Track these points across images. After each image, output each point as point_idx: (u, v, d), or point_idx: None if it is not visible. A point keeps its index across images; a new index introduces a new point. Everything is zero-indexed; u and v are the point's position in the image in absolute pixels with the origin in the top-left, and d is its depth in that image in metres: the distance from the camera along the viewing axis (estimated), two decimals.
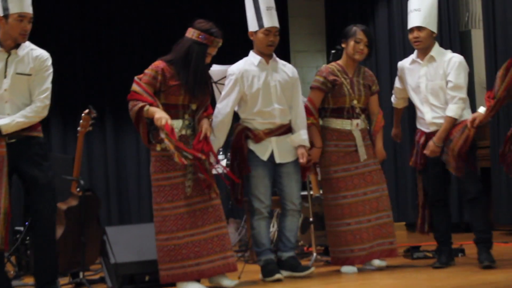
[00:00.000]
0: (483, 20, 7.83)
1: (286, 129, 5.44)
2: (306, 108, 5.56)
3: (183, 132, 5.01)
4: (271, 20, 5.36)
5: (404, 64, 5.65)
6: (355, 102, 5.55)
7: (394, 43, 8.69)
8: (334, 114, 5.60)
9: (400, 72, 5.68)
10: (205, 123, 5.03)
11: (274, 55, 5.48)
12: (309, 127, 5.52)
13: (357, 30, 5.56)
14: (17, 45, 4.72)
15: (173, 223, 4.91)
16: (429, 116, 5.46)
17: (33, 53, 4.75)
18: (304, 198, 5.78)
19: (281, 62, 5.52)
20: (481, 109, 5.21)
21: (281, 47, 9.94)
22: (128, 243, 5.19)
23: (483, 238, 5.39)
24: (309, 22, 10.29)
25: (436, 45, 5.54)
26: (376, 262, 5.52)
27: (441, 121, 5.40)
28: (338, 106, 5.58)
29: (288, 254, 5.42)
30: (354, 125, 5.56)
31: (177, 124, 4.99)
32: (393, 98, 5.90)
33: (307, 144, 5.44)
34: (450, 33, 8.21)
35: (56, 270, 4.86)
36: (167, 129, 4.78)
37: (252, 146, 5.37)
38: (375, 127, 5.66)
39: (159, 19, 9.31)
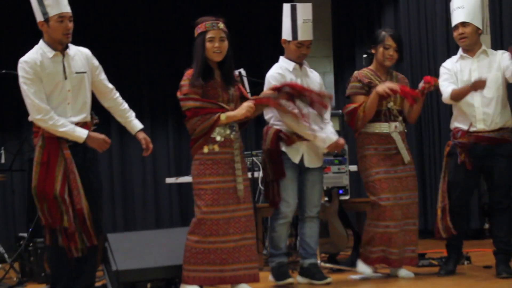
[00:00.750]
0: (490, 25, 7.71)
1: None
2: (348, 114, 5.53)
3: (228, 134, 4.98)
4: (306, 33, 5.40)
5: (452, 62, 5.54)
6: (391, 104, 5.50)
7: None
8: (373, 118, 5.52)
9: (449, 71, 5.49)
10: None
11: (305, 62, 5.52)
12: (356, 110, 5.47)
13: (386, 36, 5.52)
14: (65, 46, 4.73)
15: (208, 228, 4.88)
16: (480, 111, 5.35)
17: (82, 51, 4.81)
18: None
19: (310, 69, 5.57)
20: None
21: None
22: (130, 250, 5.13)
23: (504, 249, 5.36)
24: (316, 28, 10.10)
25: (484, 45, 5.51)
26: (403, 273, 5.48)
27: (491, 118, 5.32)
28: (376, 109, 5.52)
29: (309, 261, 5.43)
30: (393, 128, 5.49)
31: (221, 127, 4.95)
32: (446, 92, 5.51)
33: (334, 138, 5.40)
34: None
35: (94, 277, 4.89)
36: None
37: (284, 148, 5.38)
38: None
39: (163, 20, 9.31)
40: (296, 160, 5.38)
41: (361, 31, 9.37)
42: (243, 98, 5.11)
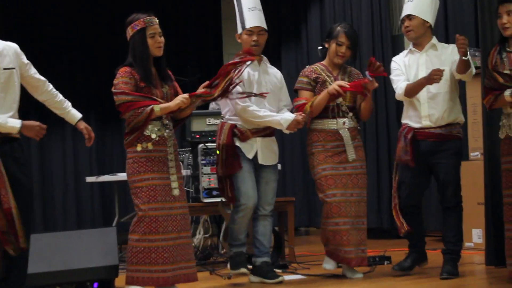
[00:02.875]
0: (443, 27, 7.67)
1: (271, 132, 5.43)
2: (296, 108, 5.43)
3: (162, 132, 4.87)
4: (253, 20, 5.34)
5: (401, 57, 5.45)
6: (340, 100, 5.38)
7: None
8: (319, 114, 5.41)
9: (399, 66, 5.40)
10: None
11: (265, 58, 5.47)
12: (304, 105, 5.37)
13: (340, 32, 5.39)
14: None
15: (147, 225, 4.77)
16: (425, 107, 5.26)
17: (10, 46, 4.56)
18: None
19: (270, 66, 5.54)
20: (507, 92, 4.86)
21: (214, 49, 9.95)
22: (40, 252, 4.93)
23: (452, 249, 5.27)
24: None
25: (434, 37, 5.39)
26: (351, 274, 5.38)
27: (437, 114, 5.22)
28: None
29: (262, 259, 5.37)
30: (341, 124, 5.39)
31: (156, 125, 4.84)
32: (400, 88, 5.39)
33: (288, 122, 5.28)
34: (382, 36, 8.12)
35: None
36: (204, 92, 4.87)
37: (238, 143, 5.32)
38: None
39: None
40: (250, 155, 5.33)
41: (287, 28, 9.28)
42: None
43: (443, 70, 5.07)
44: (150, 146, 4.83)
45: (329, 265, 5.42)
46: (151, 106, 4.77)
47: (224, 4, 9.91)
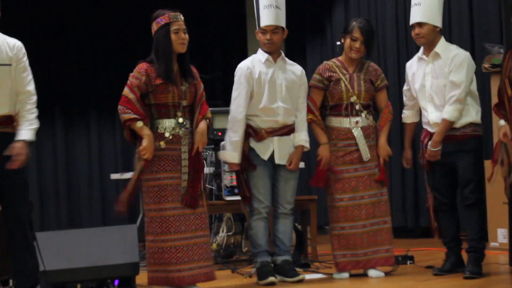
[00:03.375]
0: None
1: (289, 130, 5.33)
2: (308, 106, 5.40)
3: (177, 131, 4.85)
4: (267, 18, 5.24)
5: (412, 63, 5.39)
6: (354, 98, 5.31)
7: None
8: (332, 112, 5.39)
9: (407, 72, 5.40)
10: (198, 134, 4.87)
11: (283, 54, 5.38)
12: (309, 124, 5.39)
13: (355, 27, 5.33)
14: None
15: (158, 225, 4.79)
16: (433, 116, 5.19)
17: (9, 42, 4.52)
18: None
19: (290, 62, 5.42)
20: (502, 122, 4.94)
21: (239, 46, 9.91)
22: (59, 249, 4.93)
23: (474, 247, 5.18)
24: None
25: (442, 40, 5.25)
26: (373, 273, 5.30)
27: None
28: (336, 103, 5.37)
29: (282, 258, 5.32)
30: (354, 123, 5.32)
31: (169, 123, 4.84)
32: (403, 113, 5.53)
33: (306, 145, 5.32)
34: (407, 33, 7.85)
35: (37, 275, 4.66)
36: (144, 165, 4.77)
37: (253, 144, 5.26)
38: (380, 122, 5.39)
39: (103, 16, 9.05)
40: (265, 156, 5.26)
41: (312, 24, 9.21)
42: (197, 99, 4.96)
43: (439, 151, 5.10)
44: (163, 144, 4.82)
45: (339, 276, 5.36)
46: (138, 117, 4.75)
47: (249, 1, 9.86)
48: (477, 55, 6.89)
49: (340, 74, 5.36)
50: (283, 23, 5.31)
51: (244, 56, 9.64)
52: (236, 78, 5.26)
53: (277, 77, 5.28)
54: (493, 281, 5.02)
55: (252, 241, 5.31)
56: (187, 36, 4.87)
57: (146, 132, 4.77)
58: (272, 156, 5.27)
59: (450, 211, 5.29)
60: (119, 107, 4.82)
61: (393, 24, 8.03)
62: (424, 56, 5.27)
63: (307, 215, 6.50)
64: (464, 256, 5.25)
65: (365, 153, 5.31)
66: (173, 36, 4.83)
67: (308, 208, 6.41)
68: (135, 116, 4.75)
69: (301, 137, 5.31)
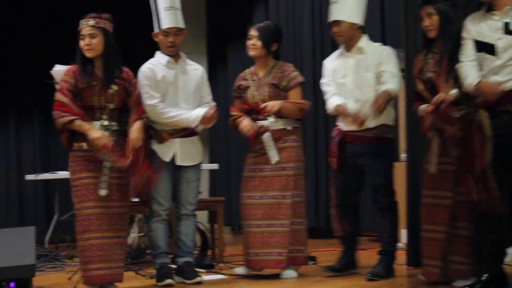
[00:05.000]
0: None
1: (192, 132, 5.27)
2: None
3: None
4: (168, 21, 5.17)
5: (332, 59, 5.32)
6: (260, 103, 5.27)
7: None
8: (250, 117, 5.36)
9: (326, 67, 5.32)
10: (133, 132, 4.80)
11: (184, 55, 5.33)
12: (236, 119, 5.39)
13: (251, 28, 5.35)
14: None
15: (80, 224, 4.75)
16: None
17: None
18: None
19: (191, 63, 5.38)
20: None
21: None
22: None
23: (385, 250, 5.15)
24: (192, 24, 9.98)
25: (364, 38, 5.21)
26: (286, 273, 5.24)
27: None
28: (248, 108, 5.36)
29: (183, 259, 5.26)
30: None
31: (96, 126, 4.77)
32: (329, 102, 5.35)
33: (198, 118, 5.20)
34: (323, 36, 8.02)
35: None
36: (106, 150, 4.72)
37: (155, 146, 5.18)
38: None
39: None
40: (167, 158, 5.17)
41: (234, 29, 9.16)
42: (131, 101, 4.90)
43: (363, 120, 4.99)
44: (85, 145, 4.78)
45: (239, 270, 5.36)
46: (75, 117, 4.71)
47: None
48: None
49: (250, 81, 5.36)
50: (183, 25, 5.25)
51: None
52: (139, 81, 5.13)
53: (179, 78, 5.22)
54: (389, 282, 5.00)
55: (151, 243, 5.24)
56: (95, 40, 4.77)
57: (87, 126, 4.73)
58: (173, 158, 5.19)
59: (351, 212, 5.26)
60: (54, 112, 4.77)
61: (310, 25, 8.00)
62: (346, 52, 5.21)
63: (214, 217, 6.42)
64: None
65: (273, 156, 5.25)
66: (81, 42, 4.80)
67: (216, 210, 6.33)
68: (72, 117, 4.71)
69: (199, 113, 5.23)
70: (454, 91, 4.58)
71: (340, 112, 5.16)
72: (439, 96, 4.59)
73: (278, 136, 5.26)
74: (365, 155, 5.11)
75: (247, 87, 5.36)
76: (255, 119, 5.31)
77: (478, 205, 4.39)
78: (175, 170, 5.23)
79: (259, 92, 5.30)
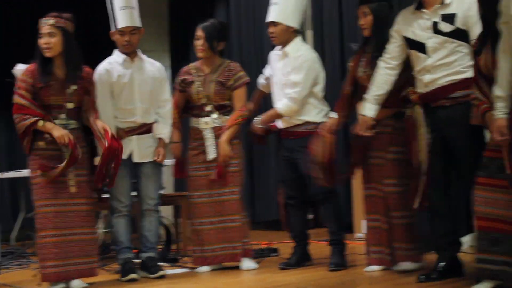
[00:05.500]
0: (312, 21, 7.80)
1: (148, 129, 5.28)
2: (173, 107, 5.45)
3: None
4: (124, 20, 5.17)
5: (272, 55, 5.40)
6: (204, 100, 5.29)
7: (231, 41, 8.45)
8: (190, 113, 5.41)
9: (269, 59, 5.44)
10: (98, 122, 4.83)
11: (140, 53, 5.30)
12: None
13: (197, 28, 5.35)
14: None
15: (38, 222, 4.76)
16: None
17: None
18: None
19: (149, 61, 5.35)
20: (332, 114, 5.00)
21: None
22: None
23: (336, 240, 5.23)
24: (155, 22, 10.01)
25: (296, 40, 5.25)
26: (245, 264, 5.31)
27: (289, 119, 5.21)
28: (192, 104, 5.39)
29: (147, 254, 5.27)
30: (203, 123, 5.30)
31: (56, 124, 4.77)
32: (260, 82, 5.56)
33: (164, 138, 5.26)
34: None
35: None
36: (71, 146, 4.71)
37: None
38: (227, 121, 5.32)
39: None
40: (124, 156, 5.13)
41: (196, 26, 9.15)
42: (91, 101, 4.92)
43: None
44: (43, 144, 4.77)
45: (201, 269, 5.36)
46: (37, 118, 4.71)
47: None
48: (346, 55, 6.96)
49: (195, 76, 5.36)
50: (139, 23, 5.25)
51: None
52: (95, 81, 5.12)
53: (135, 77, 5.22)
54: (350, 272, 5.08)
55: (114, 239, 5.28)
56: (53, 39, 4.76)
57: (49, 125, 4.73)
58: (131, 155, 5.20)
59: (298, 205, 5.31)
60: (14, 116, 4.76)
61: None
62: (279, 53, 5.29)
63: (179, 211, 6.45)
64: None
65: (211, 152, 5.29)
66: (40, 41, 4.79)
67: (180, 204, 6.36)
68: (34, 118, 4.70)
69: (163, 131, 5.27)
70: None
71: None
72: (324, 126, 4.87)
73: (219, 133, 5.30)
74: (296, 149, 5.20)
75: (192, 82, 5.36)
76: (197, 116, 5.34)
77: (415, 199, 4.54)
78: (134, 167, 5.24)
79: (205, 88, 5.32)
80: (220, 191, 5.29)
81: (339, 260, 5.16)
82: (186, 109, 5.46)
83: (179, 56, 9.35)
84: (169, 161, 6.42)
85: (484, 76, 3.91)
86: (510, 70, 3.69)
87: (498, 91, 3.71)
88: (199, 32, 5.32)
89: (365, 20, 4.81)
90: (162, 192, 6.28)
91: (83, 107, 4.90)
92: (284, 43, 5.23)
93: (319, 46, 7.36)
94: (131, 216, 5.29)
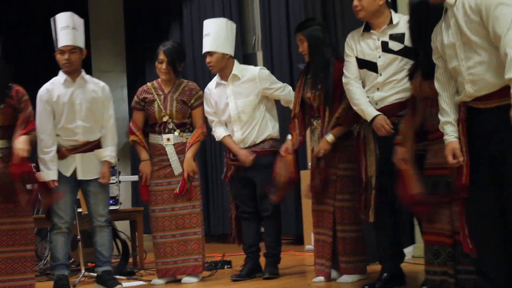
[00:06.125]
0: (262, 43, 7.98)
1: (93, 146, 5.30)
2: (130, 128, 5.54)
3: None
4: (64, 39, 5.18)
5: (211, 90, 5.48)
6: (166, 118, 5.38)
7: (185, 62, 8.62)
8: (151, 130, 5.48)
9: (207, 96, 5.49)
10: (18, 143, 4.73)
11: (83, 73, 5.32)
12: (133, 144, 5.54)
13: (160, 51, 5.42)
14: None
15: None
16: (239, 134, 5.36)
17: None
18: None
19: (92, 81, 5.37)
20: (288, 136, 5.10)
21: (83, 67, 9.81)
22: None
23: (272, 253, 5.39)
24: (112, 43, 10.12)
25: (236, 63, 5.42)
26: (186, 279, 5.39)
27: (249, 138, 5.33)
28: (152, 122, 5.46)
29: (102, 269, 5.31)
30: (165, 140, 5.39)
31: None
32: (215, 132, 5.56)
33: (110, 160, 5.31)
34: (235, 55, 8.12)
35: None
36: None
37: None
38: (190, 139, 5.43)
39: None
40: (68, 173, 5.20)
41: (151, 47, 9.27)
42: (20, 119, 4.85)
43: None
44: None
45: (156, 281, 5.45)
46: None
47: (93, 24, 9.88)
48: (295, 75, 7.11)
49: (155, 95, 5.47)
50: (80, 44, 5.28)
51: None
52: (37, 102, 5.21)
53: (76, 97, 5.25)
54: (286, 279, 5.26)
55: (51, 255, 5.31)
56: None
57: None
58: (74, 173, 5.25)
59: (251, 218, 5.46)
60: None
61: None
62: (222, 81, 5.42)
63: (135, 225, 6.56)
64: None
65: (176, 168, 5.41)
66: None
67: (136, 219, 6.47)
68: None
69: (106, 153, 5.32)
70: (330, 137, 4.85)
71: (232, 148, 5.41)
72: (317, 151, 4.90)
73: (181, 149, 5.43)
74: (251, 168, 5.34)
75: (153, 101, 5.45)
76: (158, 133, 5.44)
77: (360, 212, 4.66)
78: (78, 184, 5.30)
79: (166, 106, 5.43)
80: (182, 205, 5.40)
81: (273, 270, 5.37)
82: (146, 127, 5.55)
83: (135, 75, 9.46)
84: (128, 178, 6.54)
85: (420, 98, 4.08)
86: (449, 97, 3.81)
87: (444, 117, 3.80)
88: (162, 56, 5.40)
89: (303, 47, 4.97)
90: (118, 207, 6.44)
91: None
92: (223, 70, 5.39)
93: (269, 67, 7.43)
94: (70, 233, 5.31)
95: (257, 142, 5.37)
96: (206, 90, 5.54)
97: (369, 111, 4.55)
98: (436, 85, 3.81)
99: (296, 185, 5.66)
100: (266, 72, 5.46)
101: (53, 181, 5.13)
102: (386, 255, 4.71)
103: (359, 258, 4.95)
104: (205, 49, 5.36)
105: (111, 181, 6.17)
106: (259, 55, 8.28)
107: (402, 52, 4.48)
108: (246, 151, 5.35)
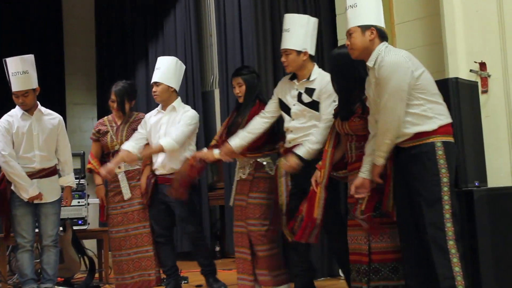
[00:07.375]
0: (219, 82, 8.11)
1: (49, 172, 5.61)
2: (91, 156, 5.77)
3: None
4: (16, 84, 5.45)
5: (151, 116, 5.69)
6: (117, 147, 5.63)
7: (149, 94, 8.76)
8: (106, 159, 5.70)
9: (146, 119, 5.68)
10: None
11: (39, 107, 5.61)
12: (89, 172, 5.78)
13: (112, 90, 5.73)
14: None
15: None
16: (160, 159, 5.56)
17: None
18: None
19: (48, 113, 5.67)
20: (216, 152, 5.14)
21: (58, 100, 10.13)
22: None
23: (208, 270, 5.66)
24: (84, 79, 10.44)
25: (178, 100, 5.66)
26: None
27: (170, 164, 5.50)
28: (107, 151, 5.74)
29: (45, 285, 5.54)
30: (117, 168, 5.60)
31: None
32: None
33: (73, 185, 5.67)
34: (194, 92, 8.53)
35: None
36: None
37: (14, 187, 5.52)
38: (141, 165, 5.68)
39: None
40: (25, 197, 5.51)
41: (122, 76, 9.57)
42: None
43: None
44: None
45: None
46: None
47: (68, 59, 10.24)
48: None
49: (109, 127, 5.75)
50: (32, 85, 5.51)
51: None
52: None
53: (33, 128, 5.54)
54: None
55: (19, 272, 5.55)
56: None
57: None
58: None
59: (167, 242, 5.68)
60: None
61: (183, 83, 8.07)
62: (162, 110, 5.65)
63: (102, 244, 6.87)
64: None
65: (126, 193, 5.64)
66: None
67: (102, 238, 6.78)
68: None
69: (69, 180, 5.69)
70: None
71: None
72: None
73: (131, 175, 5.68)
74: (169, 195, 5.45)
75: (107, 132, 5.72)
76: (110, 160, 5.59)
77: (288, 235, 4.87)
78: (35, 207, 5.56)
79: (117, 136, 5.69)
80: (134, 226, 5.61)
81: (217, 282, 5.62)
82: (103, 157, 5.79)
83: (104, 108, 9.70)
84: (96, 200, 6.81)
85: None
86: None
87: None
88: (113, 96, 5.72)
89: (240, 90, 5.18)
90: (87, 227, 6.78)
91: None
92: (165, 101, 5.62)
93: (225, 104, 7.69)
94: (33, 250, 5.57)
95: (176, 169, 5.43)
96: (146, 115, 5.74)
97: (234, 138, 4.94)
98: (369, 127, 4.16)
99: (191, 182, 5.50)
100: (192, 114, 5.57)
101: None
102: (297, 271, 4.99)
103: (278, 272, 5.09)
104: (153, 79, 5.60)
105: (80, 204, 6.59)
106: (216, 93, 8.49)
107: (309, 105, 4.75)
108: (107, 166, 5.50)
